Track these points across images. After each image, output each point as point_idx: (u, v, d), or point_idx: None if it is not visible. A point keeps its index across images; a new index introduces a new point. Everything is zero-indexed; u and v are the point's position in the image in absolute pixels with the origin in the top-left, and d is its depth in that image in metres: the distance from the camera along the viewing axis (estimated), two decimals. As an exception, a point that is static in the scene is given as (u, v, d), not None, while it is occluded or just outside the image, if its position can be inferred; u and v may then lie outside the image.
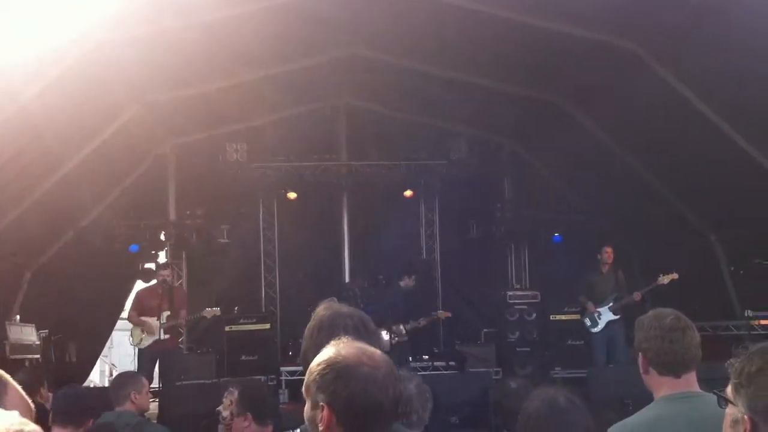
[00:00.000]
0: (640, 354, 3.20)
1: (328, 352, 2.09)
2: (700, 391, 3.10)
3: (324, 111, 13.82)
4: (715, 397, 2.04)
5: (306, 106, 13.58)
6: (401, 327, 11.27)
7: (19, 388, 1.98)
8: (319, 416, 2.02)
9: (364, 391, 2.00)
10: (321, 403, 2.01)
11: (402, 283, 11.70)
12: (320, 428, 2.02)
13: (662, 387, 3.13)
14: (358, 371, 2.02)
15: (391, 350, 10.31)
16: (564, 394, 3.00)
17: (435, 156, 13.96)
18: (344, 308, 2.75)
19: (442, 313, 12.20)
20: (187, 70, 10.38)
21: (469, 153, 13.67)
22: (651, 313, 3.24)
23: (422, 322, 11.45)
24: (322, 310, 2.72)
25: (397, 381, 2.11)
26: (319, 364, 2.06)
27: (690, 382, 3.11)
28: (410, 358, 11.16)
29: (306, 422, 2.12)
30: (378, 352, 2.14)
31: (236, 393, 4.28)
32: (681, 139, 10.19)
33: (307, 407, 2.09)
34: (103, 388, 11.55)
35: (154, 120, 11.73)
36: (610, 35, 9.37)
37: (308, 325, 2.71)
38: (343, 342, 2.14)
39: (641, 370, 3.22)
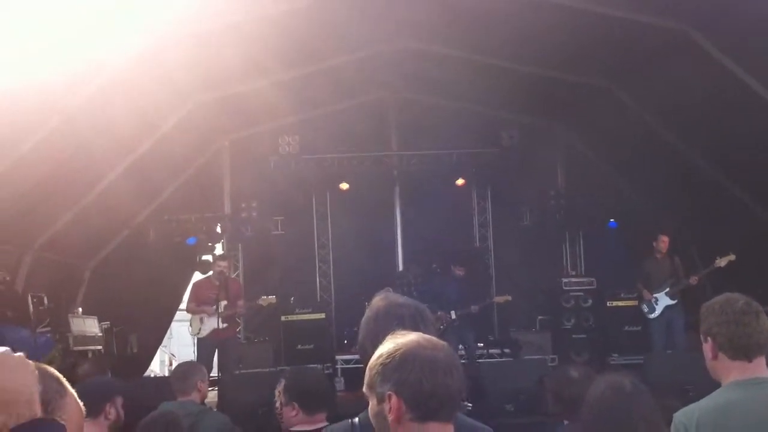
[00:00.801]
0: (709, 339, 3.15)
1: (386, 345, 2.07)
2: None
3: (374, 102, 13.88)
4: None
5: (356, 99, 13.66)
6: (451, 313, 11.25)
7: (75, 395, 2.01)
8: (387, 407, 1.97)
9: (430, 373, 1.96)
10: (388, 392, 1.97)
11: (456, 272, 11.70)
12: (390, 419, 1.98)
13: (732, 372, 3.09)
14: (421, 355, 1.99)
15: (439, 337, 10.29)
16: (630, 379, 2.99)
17: (486, 144, 13.87)
18: (400, 298, 2.73)
19: (501, 298, 12.13)
20: (238, 67, 10.52)
21: (520, 140, 13.55)
22: (720, 298, 3.18)
23: (474, 308, 11.43)
24: (378, 300, 2.70)
25: (458, 363, 2.07)
26: (379, 357, 2.04)
27: (761, 366, 3.07)
28: (460, 346, 11.12)
29: (373, 421, 2.08)
30: (435, 338, 2.15)
31: (283, 382, 4.27)
32: (734, 120, 9.97)
33: (372, 405, 2.05)
34: (163, 377, 11.81)
35: (209, 116, 11.91)
36: (658, 16, 9.22)
37: (365, 316, 2.70)
38: (399, 333, 2.12)
39: (709, 356, 3.17)
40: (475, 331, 11.78)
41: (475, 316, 11.49)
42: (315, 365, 10.06)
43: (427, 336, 2.11)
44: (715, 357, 3.15)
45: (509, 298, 12.03)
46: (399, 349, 2.02)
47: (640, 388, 2.96)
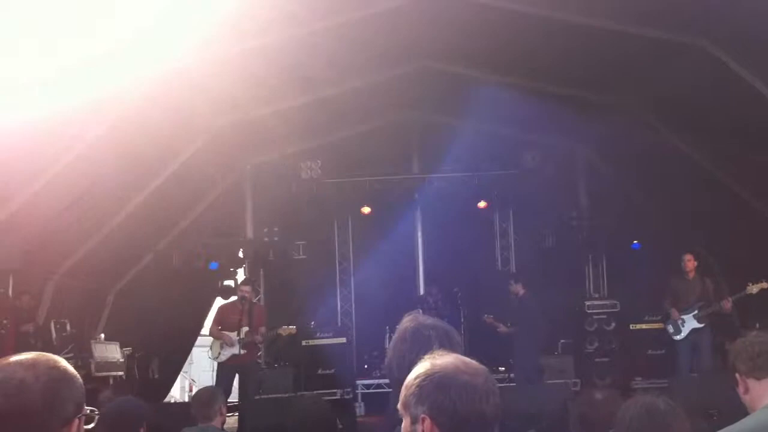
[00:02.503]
0: (736, 376, 3.17)
1: (424, 365, 2.04)
2: None
3: (395, 125, 13.90)
4: None
5: (377, 121, 13.68)
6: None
7: None
8: (420, 428, 1.96)
9: (466, 399, 1.94)
10: (422, 415, 1.96)
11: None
12: None
13: (765, 395, 3.06)
14: (459, 379, 1.97)
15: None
16: (664, 399, 2.93)
17: (508, 166, 13.83)
18: (429, 320, 2.71)
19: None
20: (260, 91, 10.58)
21: (542, 162, 13.48)
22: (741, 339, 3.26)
23: (502, 328, 11.44)
24: (406, 321, 2.70)
25: (496, 389, 2.05)
26: (416, 377, 2.02)
27: None
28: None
29: None
30: (474, 361, 2.12)
31: None
32: (762, 139, 9.87)
33: (405, 424, 2.03)
34: (184, 403, 11.79)
35: (231, 141, 11.98)
36: (681, 34, 9.18)
37: (393, 337, 2.71)
38: (437, 354, 2.10)
39: (741, 392, 3.17)
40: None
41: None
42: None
43: (466, 359, 2.09)
44: (746, 390, 3.15)
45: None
46: (437, 372, 2.00)
47: (674, 408, 2.89)
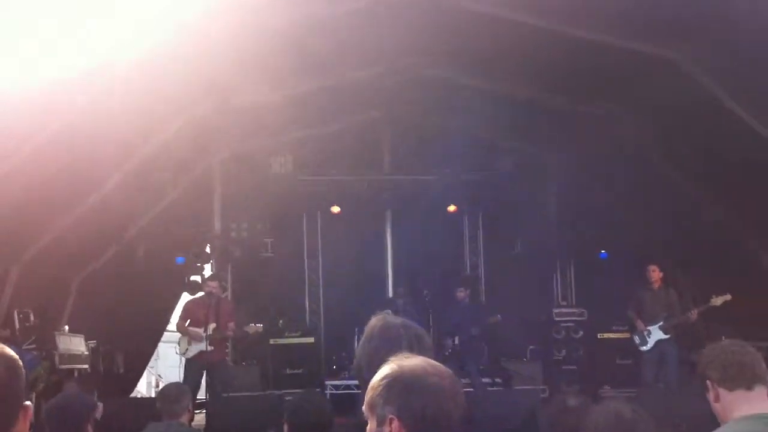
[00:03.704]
0: (707, 383, 3.12)
1: (390, 366, 2.04)
2: None
3: (368, 124, 13.87)
4: None
5: (350, 119, 13.63)
6: (449, 341, 11.23)
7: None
8: (387, 430, 1.96)
9: (434, 401, 1.95)
10: (389, 416, 1.96)
11: (458, 295, 11.68)
12: None
13: (735, 407, 3.03)
14: (427, 381, 1.97)
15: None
16: (630, 407, 2.92)
17: (479, 170, 13.87)
18: (398, 320, 2.69)
19: (493, 318, 12.18)
20: (229, 84, 10.47)
21: (514, 167, 13.54)
22: (714, 344, 3.22)
23: (474, 330, 11.44)
24: (375, 321, 2.66)
25: (462, 391, 2.06)
26: (383, 378, 2.01)
27: (764, 398, 3.01)
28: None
29: None
30: (439, 364, 2.10)
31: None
32: (732, 153, 9.98)
33: (371, 426, 2.02)
34: (150, 398, 11.63)
35: (201, 132, 11.83)
36: (660, 48, 9.26)
37: (362, 337, 2.67)
38: (403, 356, 2.09)
39: (711, 399, 3.13)
40: (476, 355, 11.78)
41: (477, 339, 11.47)
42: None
43: (432, 361, 2.09)
44: (716, 399, 3.11)
45: (499, 317, 12.11)
46: (405, 373, 1.99)
47: (641, 416, 2.88)
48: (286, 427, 4.09)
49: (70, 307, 11.64)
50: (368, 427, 2.03)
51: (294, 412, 4.10)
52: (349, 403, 10.98)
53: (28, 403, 1.91)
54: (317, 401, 4.26)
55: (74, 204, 10.65)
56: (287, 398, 4.65)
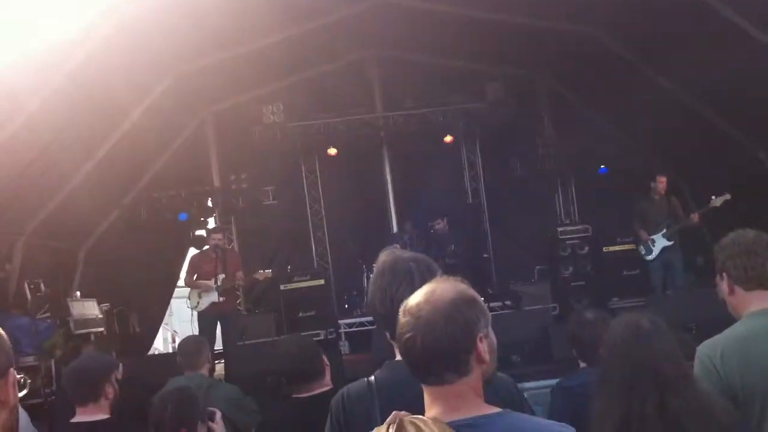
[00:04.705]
0: (724, 275, 3.17)
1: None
2: None
3: (356, 64, 13.74)
4: None
5: (338, 61, 13.52)
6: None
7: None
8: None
9: None
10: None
11: (435, 225, 12.10)
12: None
13: (750, 303, 3.10)
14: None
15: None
16: (647, 318, 2.97)
17: (472, 99, 13.79)
18: (406, 253, 2.68)
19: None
20: (214, 36, 10.35)
21: (506, 93, 13.45)
22: (731, 234, 3.21)
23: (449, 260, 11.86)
24: (384, 256, 2.65)
25: None
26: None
27: None
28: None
29: None
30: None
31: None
32: (722, 56, 9.88)
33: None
34: (168, 354, 11.80)
35: (189, 90, 11.74)
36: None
37: (373, 273, 2.68)
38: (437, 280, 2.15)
39: (726, 292, 3.19)
40: None
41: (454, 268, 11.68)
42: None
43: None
44: (732, 292, 3.17)
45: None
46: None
47: (659, 326, 2.93)
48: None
49: (80, 273, 11.73)
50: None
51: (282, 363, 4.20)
52: (365, 340, 11.20)
53: (11, 369, 1.87)
54: (300, 348, 4.29)
55: (70, 173, 10.63)
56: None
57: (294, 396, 4.14)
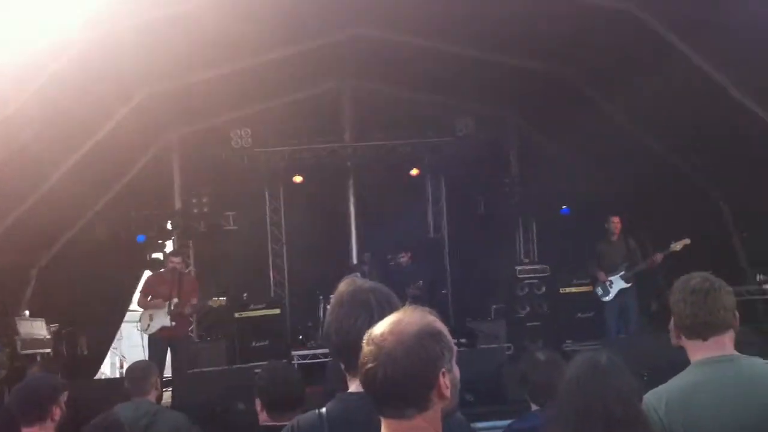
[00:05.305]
0: (672, 320, 3.17)
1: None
2: (735, 353, 3.04)
3: (327, 93, 13.75)
4: (749, 359, 1.96)
5: (309, 90, 13.50)
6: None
7: None
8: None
9: None
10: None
11: (400, 259, 12.24)
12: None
13: (696, 352, 3.09)
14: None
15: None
16: (606, 355, 2.94)
17: (440, 133, 13.85)
18: (367, 283, 2.59)
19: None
20: (187, 58, 10.30)
21: (475, 129, 13.54)
22: (683, 276, 3.18)
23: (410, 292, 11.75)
24: (343, 286, 2.57)
25: None
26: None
27: (721, 345, 3.04)
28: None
29: None
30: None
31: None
32: (685, 101, 10.05)
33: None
34: (115, 379, 11.54)
35: (156, 110, 11.64)
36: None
37: (331, 303, 2.61)
38: (405, 309, 2.08)
39: (674, 337, 3.18)
40: None
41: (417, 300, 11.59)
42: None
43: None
44: (678, 337, 3.15)
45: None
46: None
47: (616, 365, 2.90)
48: (258, 402, 4.04)
49: (30, 292, 11.46)
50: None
51: (265, 388, 4.05)
52: (318, 371, 11.04)
53: None
54: (287, 373, 4.21)
55: (29, 190, 10.44)
56: (256, 371, 4.56)
57: (262, 424, 4.02)
